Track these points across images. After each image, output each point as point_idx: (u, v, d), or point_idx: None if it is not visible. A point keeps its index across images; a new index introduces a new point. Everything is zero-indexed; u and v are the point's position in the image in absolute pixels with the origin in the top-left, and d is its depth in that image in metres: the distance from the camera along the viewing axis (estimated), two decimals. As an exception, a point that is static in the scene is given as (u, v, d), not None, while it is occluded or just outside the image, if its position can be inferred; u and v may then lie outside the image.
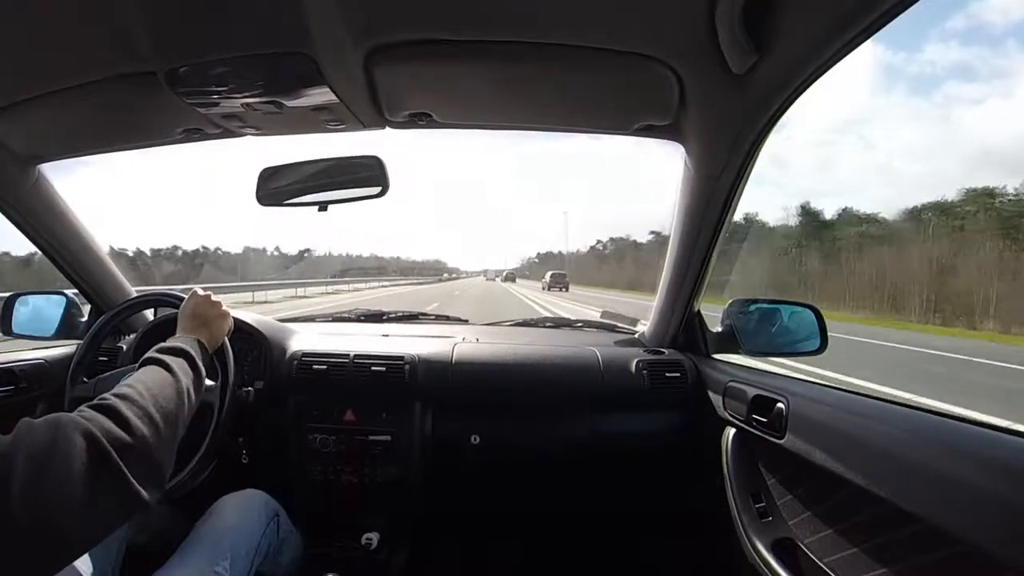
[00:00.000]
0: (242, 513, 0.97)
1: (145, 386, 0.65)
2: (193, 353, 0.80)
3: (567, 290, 27.82)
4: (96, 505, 0.52)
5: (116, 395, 0.62)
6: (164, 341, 0.84)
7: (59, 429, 0.53)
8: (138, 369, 0.73)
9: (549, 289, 27.87)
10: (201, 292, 0.97)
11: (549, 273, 32.24)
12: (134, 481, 0.55)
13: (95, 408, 0.59)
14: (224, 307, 0.99)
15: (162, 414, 0.63)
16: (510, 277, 54.29)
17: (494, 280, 53.68)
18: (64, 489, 0.50)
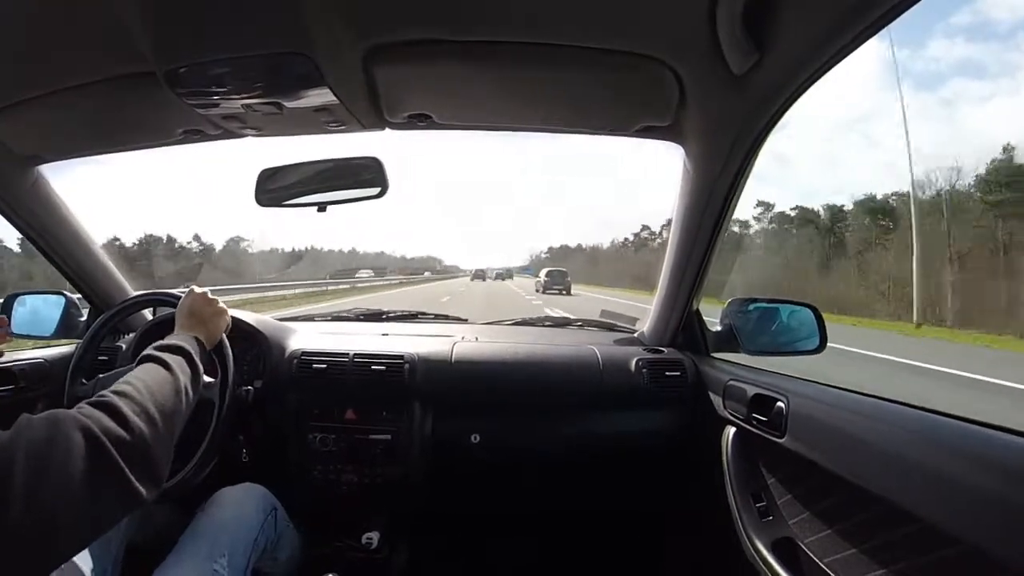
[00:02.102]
0: (240, 507, 0.97)
1: (143, 383, 0.66)
2: (190, 350, 0.80)
3: (568, 293, 21.91)
4: (95, 500, 0.53)
5: (114, 392, 0.62)
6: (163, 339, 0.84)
7: (58, 425, 0.53)
8: (136, 367, 0.73)
9: (544, 291, 22.09)
10: (198, 290, 0.98)
11: (544, 271, 26.04)
12: (132, 477, 0.56)
13: (94, 405, 0.59)
14: (221, 304, 0.99)
15: (160, 411, 0.64)
16: (479, 275, 43.70)
17: (484, 279, 41.26)
18: (63, 484, 0.51)
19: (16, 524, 0.47)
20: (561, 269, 25.88)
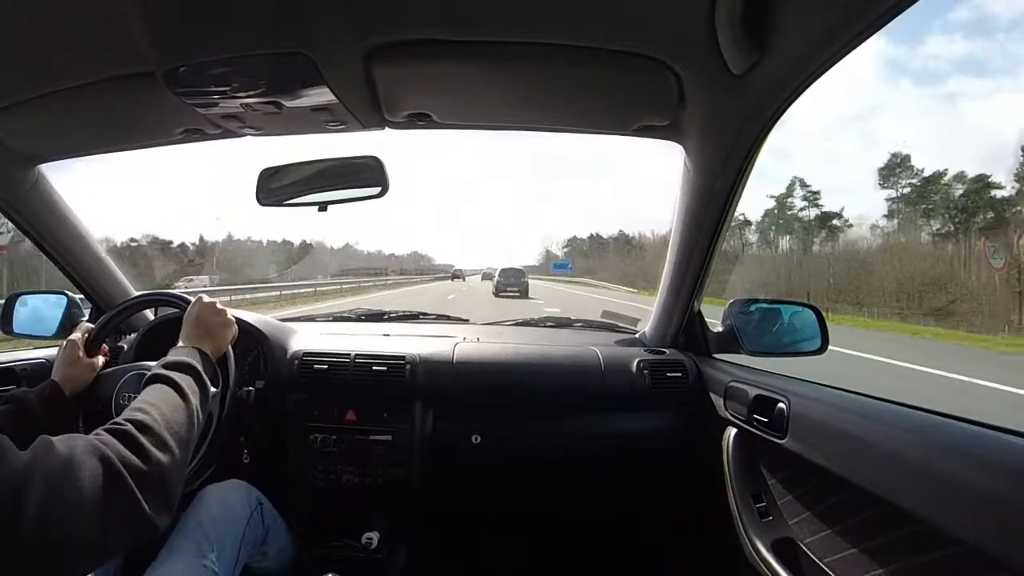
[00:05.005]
0: (224, 503, 0.98)
1: (159, 411, 0.66)
2: (200, 368, 0.81)
3: (525, 295, 19.52)
4: (107, 527, 0.53)
5: (131, 421, 0.63)
6: (168, 347, 0.85)
7: (76, 451, 0.54)
8: (146, 385, 0.74)
9: (498, 293, 19.88)
10: (207, 299, 0.98)
11: (499, 269, 23.05)
12: (146, 507, 0.56)
13: (111, 432, 0.60)
14: (229, 315, 0.99)
15: (176, 439, 0.65)
16: (458, 275, 44.31)
17: (464, 279, 41.00)
18: (77, 509, 0.51)
19: (27, 545, 0.47)
20: (517, 268, 23.25)
